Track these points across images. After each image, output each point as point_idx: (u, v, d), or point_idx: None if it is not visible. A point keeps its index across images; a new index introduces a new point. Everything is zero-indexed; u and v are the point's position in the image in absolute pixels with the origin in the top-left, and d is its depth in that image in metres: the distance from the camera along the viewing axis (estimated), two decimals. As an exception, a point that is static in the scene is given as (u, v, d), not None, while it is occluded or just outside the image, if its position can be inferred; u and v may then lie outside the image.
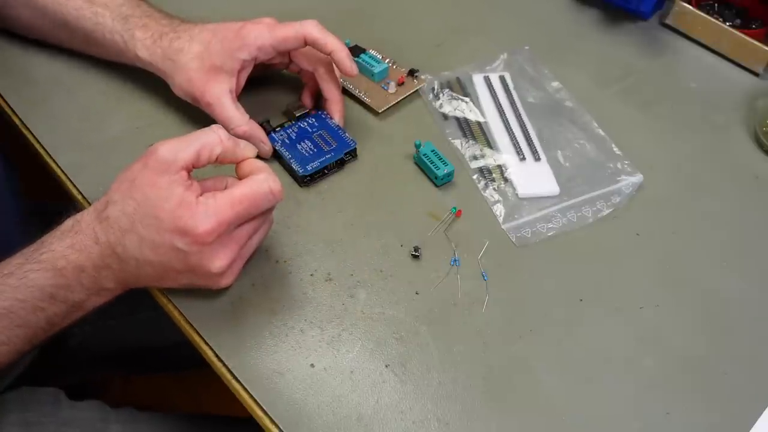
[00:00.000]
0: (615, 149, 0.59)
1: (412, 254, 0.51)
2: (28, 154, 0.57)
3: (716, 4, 0.69)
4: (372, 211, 0.53)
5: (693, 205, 0.56)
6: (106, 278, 0.43)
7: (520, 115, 0.61)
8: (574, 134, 0.60)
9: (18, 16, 0.59)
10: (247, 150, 0.45)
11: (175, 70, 0.53)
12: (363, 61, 0.61)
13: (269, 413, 0.43)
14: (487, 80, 0.63)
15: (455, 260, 0.51)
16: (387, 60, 0.63)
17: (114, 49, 0.56)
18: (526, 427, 0.44)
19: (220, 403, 0.67)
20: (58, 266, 0.42)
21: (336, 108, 0.57)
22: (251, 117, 0.54)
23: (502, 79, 0.64)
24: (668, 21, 0.70)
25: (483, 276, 0.50)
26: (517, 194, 0.55)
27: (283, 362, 0.45)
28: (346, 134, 0.56)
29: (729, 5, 0.69)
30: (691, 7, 0.68)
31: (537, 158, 0.58)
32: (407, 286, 0.49)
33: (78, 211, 0.44)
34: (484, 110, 0.61)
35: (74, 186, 0.53)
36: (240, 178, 0.45)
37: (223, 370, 0.45)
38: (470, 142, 0.58)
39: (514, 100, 0.62)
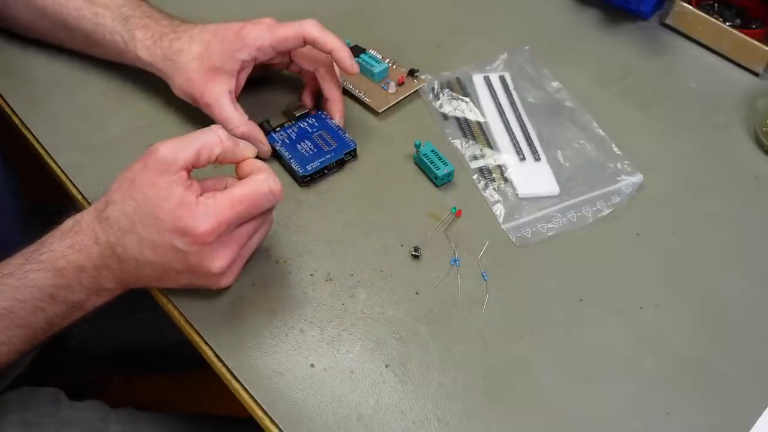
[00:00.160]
0: (615, 149, 0.59)
1: (412, 254, 0.51)
2: (28, 154, 0.57)
3: (716, 4, 0.69)
4: (372, 211, 0.53)
5: (693, 205, 0.56)
6: (106, 278, 0.43)
7: (520, 115, 0.61)
8: (574, 134, 0.60)
9: (18, 16, 0.59)
10: (246, 150, 0.45)
11: (175, 71, 0.53)
12: (363, 61, 0.61)
13: (269, 413, 0.43)
14: (487, 80, 0.63)
15: (455, 260, 0.51)
16: (387, 60, 0.63)
17: (114, 49, 0.56)
18: (526, 427, 0.44)
19: (220, 403, 0.67)
20: (58, 266, 0.42)
21: (337, 108, 0.57)
22: (251, 117, 0.54)
23: (502, 79, 0.64)
24: (668, 21, 0.70)
25: (483, 276, 0.50)
26: (517, 194, 0.55)
27: (283, 362, 0.45)
28: (346, 134, 0.56)
29: (729, 5, 0.69)
30: (691, 7, 0.68)
31: (537, 158, 0.58)
32: (407, 286, 0.49)
33: (78, 211, 0.44)
34: (484, 110, 0.61)
35: (74, 186, 0.53)
36: (240, 178, 0.45)
37: (223, 370, 0.45)
38: (470, 142, 0.58)
39: (514, 100, 0.62)
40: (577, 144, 0.59)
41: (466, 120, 0.60)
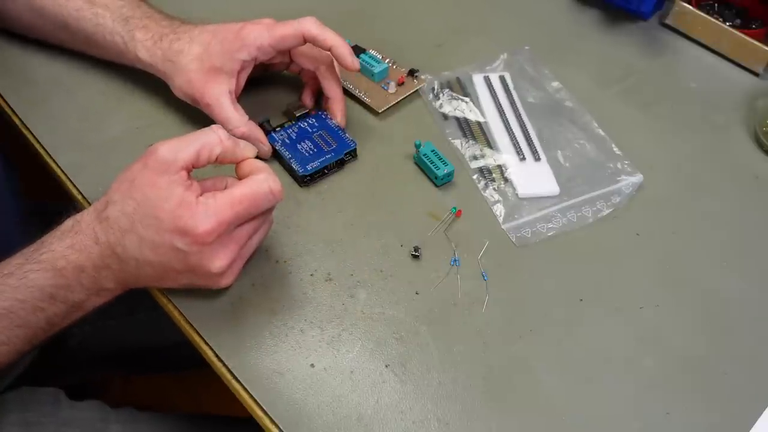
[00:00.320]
0: (615, 149, 0.59)
1: (412, 254, 0.51)
2: (28, 154, 0.57)
3: (716, 4, 0.69)
4: (372, 211, 0.53)
5: (693, 205, 0.56)
6: (106, 278, 0.43)
7: (520, 115, 0.61)
8: (574, 134, 0.60)
9: (18, 17, 0.59)
10: (246, 150, 0.45)
11: (175, 72, 0.53)
12: (363, 61, 0.61)
13: (269, 413, 0.43)
14: (487, 80, 0.63)
15: (455, 260, 0.51)
16: (387, 60, 0.63)
17: (114, 50, 0.56)
18: (526, 427, 0.44)
19: (220, 403, 0.67)
20: (58, 266, 0.42)
21: (338, 107, 0.57)
22: (251, 117, 0.54)
23: (502, 79, 0.64)
24: (668, 21, 0.70)
25: (483, 276, 0.50)
26: (517, 194, 0.55)
27: (283, 362, 0.45)
28: (346, 134, 0.56)
29: (729, 5, 0.69)
30: (691, 7, 0.68)
31: (537, 158, 0.58)
32: (407, 286, 0.49)
33: (78, 211, 0.44)
34: (484, 110, 0.61)
35: (74, 186, 0.53)
36: (240, 178, 0.45)
37: (223, 370, 0.45)
38: (470, 142, 0.58)
39: (514, 100, 0.62)
40: (577, 144, 0.59)
41: (466, 120, 0.60)
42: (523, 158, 0.57)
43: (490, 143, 0.59)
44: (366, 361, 0.45)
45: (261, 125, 0.55)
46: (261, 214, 0.44)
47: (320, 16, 0.53)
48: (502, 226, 0.53)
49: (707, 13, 0.67)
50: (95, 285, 0.43)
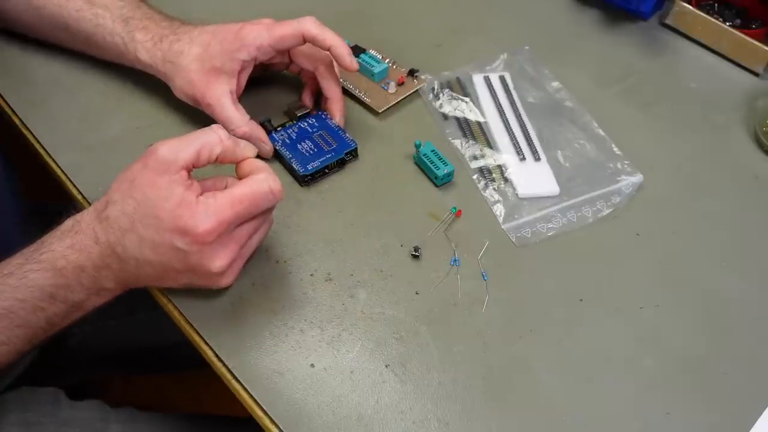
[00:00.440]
0: (615, 149, 0.59)
1: (412, 254, 0.51)
2: (28, 154, 0.57)
3: (716, 4, 0.69)
4: (372, 211, 0.53)
5: (693, 205, 0.56)
6: (106, 278, 0.43)
7: (520, 115, 0.61)
8: (574, 134, 0.60)
9: (18, 17, 0.59)
10: (247, 150, 0.45)
11: (175, 73, 0.53)
12: (363, 61, 0.61)
13: (269, 413, 0.43)
14: (487, 80, 0.63)
15: (455, 260, 0.51)
16: (387, 60, 0.63)
17: (114, 51, 0.56)
18: (526, 427, 0.44)
19: (220, 403, 0.67)
20: (58, 266, 0.42)
21: (337, 107, 0.57)
22: (252, 117, 0.54)
23: (502, 79, 0.64)
24: (668, 21, 0.70)
25: (483, 276, 0.50)
26: (517, 194, 0.55)
27: (283, 362, 0.45)
28: (347, 134, 0.56)
29: (729, 5, 0.69)
30: (691, 7, 0.68)
31: (537, 158, 0.58)
32: (407, 286, 0.49)
33: (78, 211, 0.44)
34: (484, 110, 0.61)
35: (74, 186, 0.53)
36: (240, 177, 0.45)
37: (223, 370, 0.45)
38: (470, 142, 0.58)
39: (514, 100, 0.62)
40: (577, 144, 0.59)
41: (466, 120, 0.60)
42: (523, 158, 0.57)
43: (490, 143, 0.59)
44: (366, 361, 0.45)
45: (262, 125, 0.55)
46: (261, 214, 0.44)
47: (320, 17, 0.53)
48: (502, 226, 0.53)
49: (707, 13, 0.67)
50: (95, 285, 0.43)
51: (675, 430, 0.44)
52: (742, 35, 0.65)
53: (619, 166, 0.57)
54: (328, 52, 0.54)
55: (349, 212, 0.53)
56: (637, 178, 0.57)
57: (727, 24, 0.67)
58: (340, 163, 0.55)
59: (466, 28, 0.69)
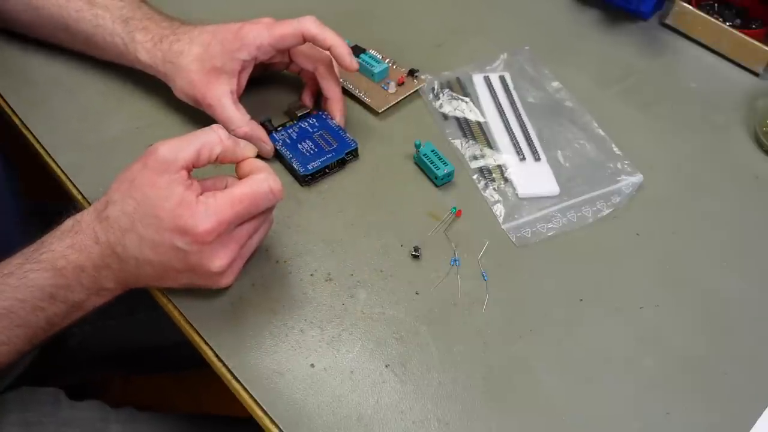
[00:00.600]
0: (615, 149, 0.59)
1: (412, 254, 0.51)
2: (28, 154, 0.57)
3: (716, 4, 0.69)
4: (372, 211, 0.53)
5: (693, 205, 0.56)
6: (106, 278, 0.43)
7: (520, 115, 0.61)
8: (574, 134, 0.60)
9: (18, 17, 0.59)
10: (247, 149, 0.45)
11: (176, 73, 0.53)
12: (363, 61, 0.61)
13: (269, 413, 0.43)
14: (487, 80, 0.63)
15: (455, 260, 0.51)
16: (387, 60, 0.63)
17: (114, 51, 0.56)
18: (526, 427, 0.44)
19: (220, 403, 0.67)
20: (58, 266, 0.42)
21: (337, 107, 0.57)
22: (252, 117, 0.54)
23: (502, 79, 0.64)
24: (668, 21, 0.70)
25: (483, 276, 0.50)
26: (517, 194, 0.55)
27: (283, 362, 0.45)
28: (347, 134, 0.56)
29: (729, 5, 0.69)
30: (691, 7, 0.68)
31: (537, 158, 0.58)
32: (407, 286, 0.49)
33: (78, 211, 0.44)
34: (484, 110, 0.61)
35: (74, 186, 0.53)
36: (240, 177, 0.45)
37: (223, 370, 0.45)
38: (470, 142, 0.58)
39: (514, 100, 0.62)
40: (577, 144, 0.59)
41: (466, 120, 0.60)
42: (523, 158, 0.57)
43: (490, 143, 0.59)
44: (366, 361, 0.45)
45: (262, 125, 0.55)
46: (261, 214, 0.44)
47: (320, 17, 0.53)
48: (502, 226, 0.53)
49: (707, 13, 0.67)
50: (95, 285, 0.43)
51: (675, 430, 0.44)
52: (742, 35, 0.65)
53: (619, 166, 0.57)
54: (328, 52, 0.54)
55: (349, 212, 0.53)
56: (637, 178, 0.57)
57: (727, 24, 0.67)
58: (341, 163, 0.55)
59: (466, 28, 0.69)
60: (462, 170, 0.56)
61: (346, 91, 0.60)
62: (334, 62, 0.55)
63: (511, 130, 0.59)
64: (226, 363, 0.45)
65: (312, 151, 0.55)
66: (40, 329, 0.43)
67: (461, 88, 0.63)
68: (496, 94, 0.62)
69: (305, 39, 0.52)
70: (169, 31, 0.54)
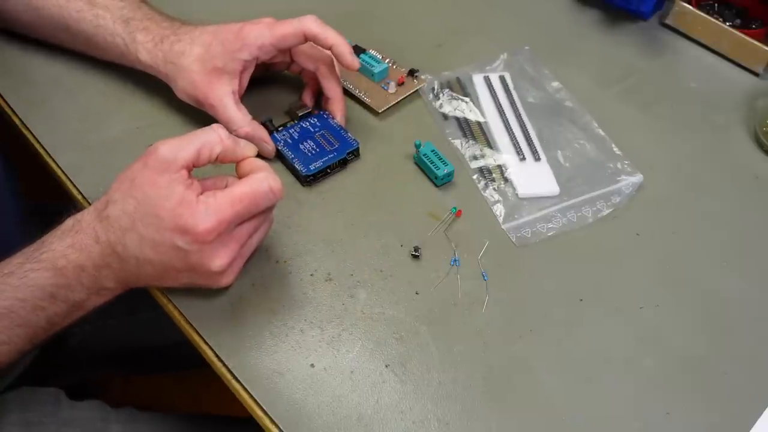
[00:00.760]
0: (615, 149, 0.59)
1: (412, 254, 0.51)
2: (28, 154, 0.57)
3: (716, 4, 0.69)
4: (372, 211, 0.53)
5: (693, 205, 0.56)
6: (106, 277, 0.43)
7: (520, 115, 0.61)
8: (574, 134, 0.60)
9: (18, 17, 0.59)
10: (247, 149, 0.45)
11: (177, 74, 0.53)
12: (363, 61, 0.61)
13: (269, 413, 0.43)
14: (487, 80, 0.63)
15: (455, 260, 0.51)
16: (387, 60, 0.63)
17: (115, 52, 0.56)
18: (526, 427, 0.44)
19: (220, 403, 0.67)
20: (59, 265, 0.42)
21: (338, 107, 0.57)
22: (253, 117, 0.54)
23: (502, 79, 0.64)
24: (668, 21, 0.70)
25: (483, 276, 0.50)
26: (517, 194, 0.55)
27: (283, 362, 0.45)
28: (349, 134, 0.56)
29: (729, 5, 0.69)
30: (691, 7, 0.68)
31: (537, 158, 0.58)
32: (407, 286, 0.49)
33: (78, 211, 0.44)
34: (484, 110, 0.61)
35: (74, 186, 0.53)
36: (240, 177, 0.45)
37: (223, 370, 0.45)
38: (470, 142, 0.59)
39: (514, 100, 0.62)
40: (577, 144, 0.59)
41: (466, 120, 0.60)
42: (523, 158, 0.57)
43: (490, 143, 0.59)
44: (366, 361, 0.45)
45: (263, 125, 0.55)
46: (261, 213, 0.44)
47: (320, 17, 0.53)
48: (502, 226, 0.53)
49: (707, 13, 0.67)
50: (96, 284, 0.43)
51: (675, 430, 0.44)
52: (742, 35, 0.65)
53: (619, 166, 0.57)
54: (329, 52, 0.54)
55: (349, 212, 0.53)
56: (637, 178, 0.57)
57: (727, 24, 0.67)
58: (343, 163, 0.55)
59: (466, 28, 0.69)
60: (462, 170, 0.56)
61: (346, 91, 0.60)
62: (335, 61, 0.55)
63: (511, 130, 0.59)
64: (226, 363, 0.45)
65: (314, 151, 0.55)
66: (41, 329, 0.43)
67: (461, 88, 0.63)
68: (496, 94, 0.62)
69: (306, 38, 0.52)
70: (170, 32, 0.54)
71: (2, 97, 0.58)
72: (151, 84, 0.57)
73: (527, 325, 0.48)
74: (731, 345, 0.48)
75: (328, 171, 0.55)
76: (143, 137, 0.56)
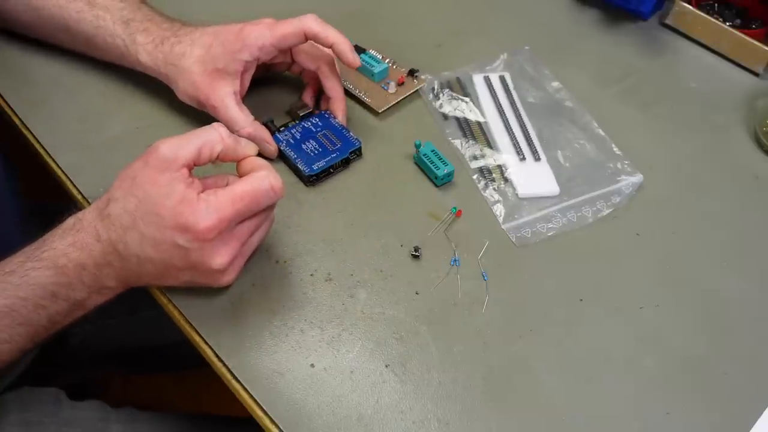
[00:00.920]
0: (615, 149, 0.59)
1: (412, 254, 0.51)
2: (28, 154, 0.57)
3: (716, 4, 0.70)
4: (372, 211, 0.53)
5: (693, 205, 0.56)
6: (107, 276, 0.43)
7: (520, 115, 0.61)
8: (574, 134, 0.60)
9: (18, 17, 0.59)
10: (247, 148, 0.45)
11: (178, 75, 0.53)
12: (363, 61, 0.61)
13: (269, 413, 0.43)
14: (487, 80, 0.63)
15: (455, 260, 0.51)
16: (387, 60, 0.63)
17: (115, 53, 0.56)
18: (526, 427, 0.44)
19: (220, 403, 0.67)
20: (60, 264, 0.42)
21: (339, 106, 0.57)
22: (255, 118, 0.54)
23: (502, 79, 0.64)
24: (668, 21, 0.70)
25: (483, 276, 0.50)
26: (517, 194, 0.55)
27: (283, 362, 0.45)
28: (351, 133, 0.56)
29: (729, 5, 0.69)
30: (691, 7, 0.68)
31: (537, 158, 0.58)
32: (407, 286, 0.49)
33: (79, 210, 0.44)
34: (484, 110, 0.61)
35: (74, 186, 0.53)
36: (241, 175, 0.45)
37: (223, 370, 0.45)
38: (470, 142, 0.59)
39: (514, 100, 0.62)
40: (577, 144, 0.59)
41: (466, 120, 0.60)
42: (523, 158, 0.57)
43: (490, 143, 0.59)
44: (366, 361, 0.45)
45: (265, 125, 0.55)
46: (262, 212, 0.44)
47: (320, 17, 0.53)
48: (502, 226, 0.53)
49: (707, 13, 0.67)
50: (96, 283, 0.43)
51: (675, 430, 0.44)
52: (742, 35, 0.65)
53: (619, 166, 0.57)
54: (330, 51, 0.54)
55: (350, 212, 0.53)
56: (637, 178, 0.57)
57: (727, 24, 0.67)
58: (345, 163, 0.55)
59: (467, 28, 0.69)
60: (462, 170, 0.56)
61: (346, 91, 0.60)
62: (336, 60, 0.55)
63: (511, 130, 0.60)
64: (226, 363, 0.45)
65: (316, 151, 0.55)
66: (42, 327, 0.43)
67: (461, 88, 0.63)
68: (496, 94, 0.62)
69: (307, 37, 0.52)
70: (170, 33, 0.54)
71: (2, 97, 0.58)
72: (151, 85, 0.57)
73: (527, 325, 0.48)
74: (731, 345, 0.48)
75: (331, 170, 0.55)
76: (143, 137, 0.56)
